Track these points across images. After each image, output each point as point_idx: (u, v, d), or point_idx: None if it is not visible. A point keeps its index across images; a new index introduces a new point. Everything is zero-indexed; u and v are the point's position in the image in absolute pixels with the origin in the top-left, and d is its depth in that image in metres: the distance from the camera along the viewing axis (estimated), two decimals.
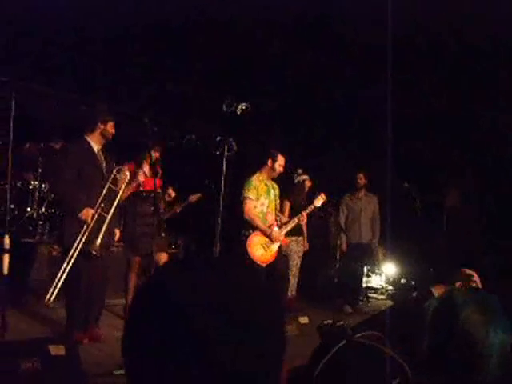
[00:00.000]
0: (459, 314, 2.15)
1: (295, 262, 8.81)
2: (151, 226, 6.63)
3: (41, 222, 8.56)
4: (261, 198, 7.25)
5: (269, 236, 7.18)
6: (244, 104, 6.61)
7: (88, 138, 5.92)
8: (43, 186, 8.74)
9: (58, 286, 5.47)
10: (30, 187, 8.72)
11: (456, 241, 9.85)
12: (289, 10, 7.88)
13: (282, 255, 7.81)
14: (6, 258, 4.45)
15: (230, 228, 7.40)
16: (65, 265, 5.51)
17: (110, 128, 5.97)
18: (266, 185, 7.36)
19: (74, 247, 5.52)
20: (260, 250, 7.16)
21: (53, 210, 8.79)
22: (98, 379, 3.84)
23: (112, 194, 5.89)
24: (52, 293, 5.45)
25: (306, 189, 9.03)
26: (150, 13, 8.02)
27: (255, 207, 7.21)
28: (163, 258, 7.31)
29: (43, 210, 8.68)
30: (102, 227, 5.69)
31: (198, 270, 1.03)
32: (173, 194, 8.56)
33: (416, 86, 9.12)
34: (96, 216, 5.69)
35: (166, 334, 0.94)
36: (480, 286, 4.75)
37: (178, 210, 9.11)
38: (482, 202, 10.48)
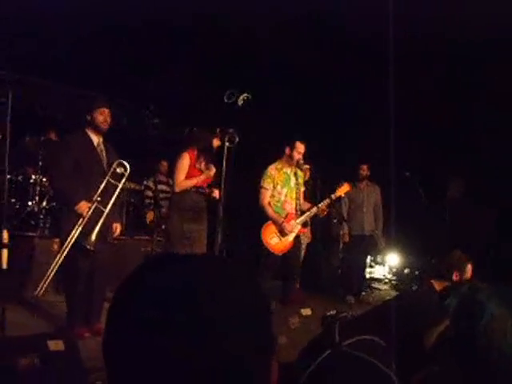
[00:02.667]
0: (484, 311, 2.11)
1: (300, 254, 8.80)
2: (198, 223, 6.64)
3: (42, 216, 8.53)
4: (277, 187, 7.27)
5: (280, 226, 7.18)
6: (245, 95, 6.57)
7: (87, 131, 5.84)
8: (44, 179, 8.71)
9: (49, 279, 5.46)
10: (31, 181, 8.70)
11: (458, 232, 9.79)
12: (292, 4, 7.84)
13: (299, 245, 7.73)
14: (5, 252, 4.43)
15: (232, 220, 7.40)
16: (57, 258, 5.49)
17: (99, 115, 5.79)
18: (285, 173, 7.36)
19: (68, 240, 5.48)
20: (275, 238, 7.17)
21: (54, 204, 8.76)
22: (98, 374, 3.81)
23: (111, 187, 5.81)
24: (42, 286, 5.44)
25: (305, 177, 8.98)
26: (150, 6, 7.99)
27: (272, 196, 7.24)
28: None
29: (44, 203, 8.64)
30: (98, 221, 5.62)
31: (180, 265, 1.01)
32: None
33: (420, 76, 9.07)
34: (92, 209, 5.62)
35: (144, 332, 0.91)
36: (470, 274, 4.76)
37: None
38: (485, 194, 10.43)
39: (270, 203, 7.25)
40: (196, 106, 9.99)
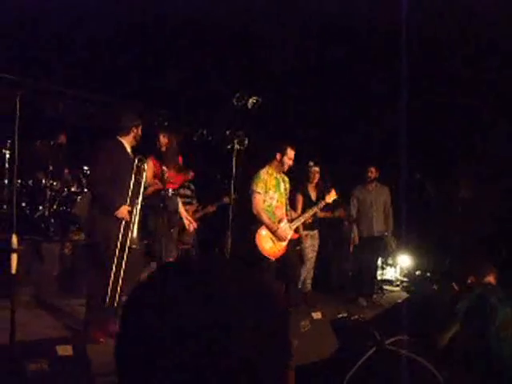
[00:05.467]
0: (496, 313, 2.10)
1: (309, 256, 8.76)
2: (176, 227, 6.71)
3: (52, 220, 8.55)
4: (269, 192, 7.18)
5: (274, 233, 7.12)
6: (255, 97, 6.56)
7: (121, 139, 6.08)
8: (54, 183, 8.73)
9: (118, 288, 5.71)
10: (42, 185, 8.72)
11: (470, 232, 9.76)
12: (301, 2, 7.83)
13: (294, 249, 7.75)
14: (14, 257, 4.42)
15: (241, 222, 7.37)
16: (114, 267, 5.70)
17: (140, 131, 6.20)
18: (275, 178, 7.29)
19: (118, 245, 5.71)
20: (269, 243, 7.11)
21: (64, 208, 8.79)
22: (106, 378, 3.81)
23: (137, 184, 6.00)
24: (111, 295, 5.69)
25: (315, 179, 8.93)
26: (162, 7, 7.99)
27: (264, 201, 7.14)
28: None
29: (55, 207, 8.67)
30: (134, 219, 5.87)
31: (193, 272, 1.01)
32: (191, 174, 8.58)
33: (430, 76, 9.04)
34: (133, 211, 5.87)
35: (157, 337, 0.91)
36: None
37: (211, 210, 9.09)
38: (496, 193, 10.38)
39: (262, 209, 7.19)
40: (205, 108, 9.98)
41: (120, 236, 5.74)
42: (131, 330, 0.96)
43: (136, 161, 6.00)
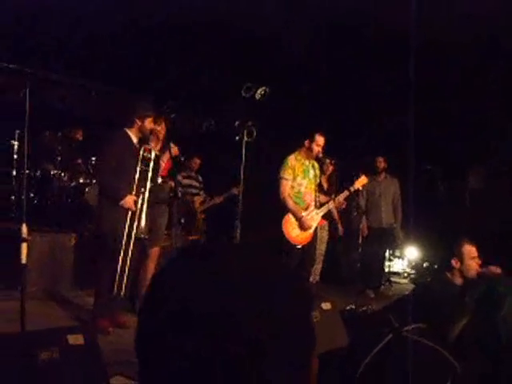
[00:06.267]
0: (504, 302, 2.11)
1: (320, 247, 8.73)
2: (165, 216, 6.71)
3: (61, 211, 8.56)
4: (297, 178, 7.20)
5: (299, 220, 7.12)
6: (263, 88, 6.55)
7: (128, 131, 6.04)
8: (63, 174, 8.75)
9: (125, 277, 5.73)
10: (50, 176, 8.74)
11: (480, 224, 9.72)
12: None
13: (316, 238, 7.69)
14: (24, 246, 4.43)
15: (249, 213, 7.36)
16: (122, 255, 5.71)
17: (148, 124, 6.08)
18: (303, 164, 7.30)
19: (125, 235, 5.72)
20: (296, 229, 7.11)
21: (73, 199, 8.81)
22: (118, 367, 3.82)
23: (144, 174, 5.99)
24: (121, 285, 5.70)
25: (327, 170, 8.91)
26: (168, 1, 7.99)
27: (292, 187, 7.17)
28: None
29: (63, 198, 8.69)
30: (142, 209, 5.87)
31: (212, 258, 0.99)
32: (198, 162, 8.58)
33: (440, 67, 9.00)
34: (139, 201, 5.86)
35: (176, 326, 0.90)
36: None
37: (218, 201, 9.09)
38: (507, 186, 10.34)
39: (289, 195, 7.19)
40: (214, 99, 9.97)
41: (127, 226, 5.74)
42: (145, 321, 0.96)
43: (142, 151, 5.98)
